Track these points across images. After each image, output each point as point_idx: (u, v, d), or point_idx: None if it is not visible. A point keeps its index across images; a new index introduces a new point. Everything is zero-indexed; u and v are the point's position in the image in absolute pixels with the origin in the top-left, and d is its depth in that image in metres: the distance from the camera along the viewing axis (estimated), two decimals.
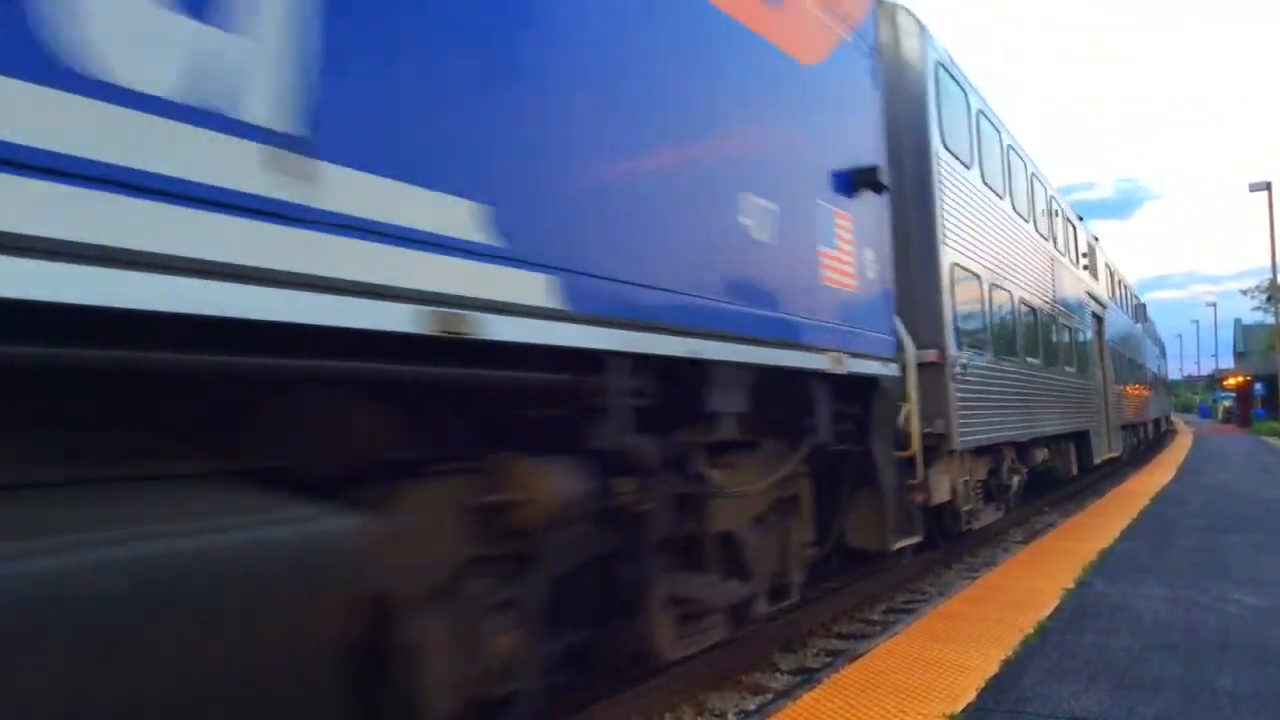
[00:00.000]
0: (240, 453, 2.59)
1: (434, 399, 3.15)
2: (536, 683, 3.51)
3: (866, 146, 6.23)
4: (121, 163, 1.97)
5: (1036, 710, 4.00)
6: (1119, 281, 21.49)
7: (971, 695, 4.20)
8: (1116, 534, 9.32)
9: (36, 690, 1.79)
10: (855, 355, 5.74)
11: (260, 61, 2.31)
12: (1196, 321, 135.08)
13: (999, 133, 10.88)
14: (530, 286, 3.13)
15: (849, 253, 5.80)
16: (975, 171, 9.62)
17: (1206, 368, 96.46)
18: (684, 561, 4.51)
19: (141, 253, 1.99)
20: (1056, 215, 14.06)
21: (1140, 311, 26.23)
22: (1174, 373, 79.93)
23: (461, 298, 2.84)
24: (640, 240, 3.83)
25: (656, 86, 4.05)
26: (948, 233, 8.44)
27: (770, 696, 5.18)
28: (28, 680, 1.79)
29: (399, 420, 3.07)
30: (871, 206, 6.22)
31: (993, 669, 4.60)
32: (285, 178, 2.35)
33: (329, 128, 2.46)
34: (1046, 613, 5.81)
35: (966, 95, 9.64)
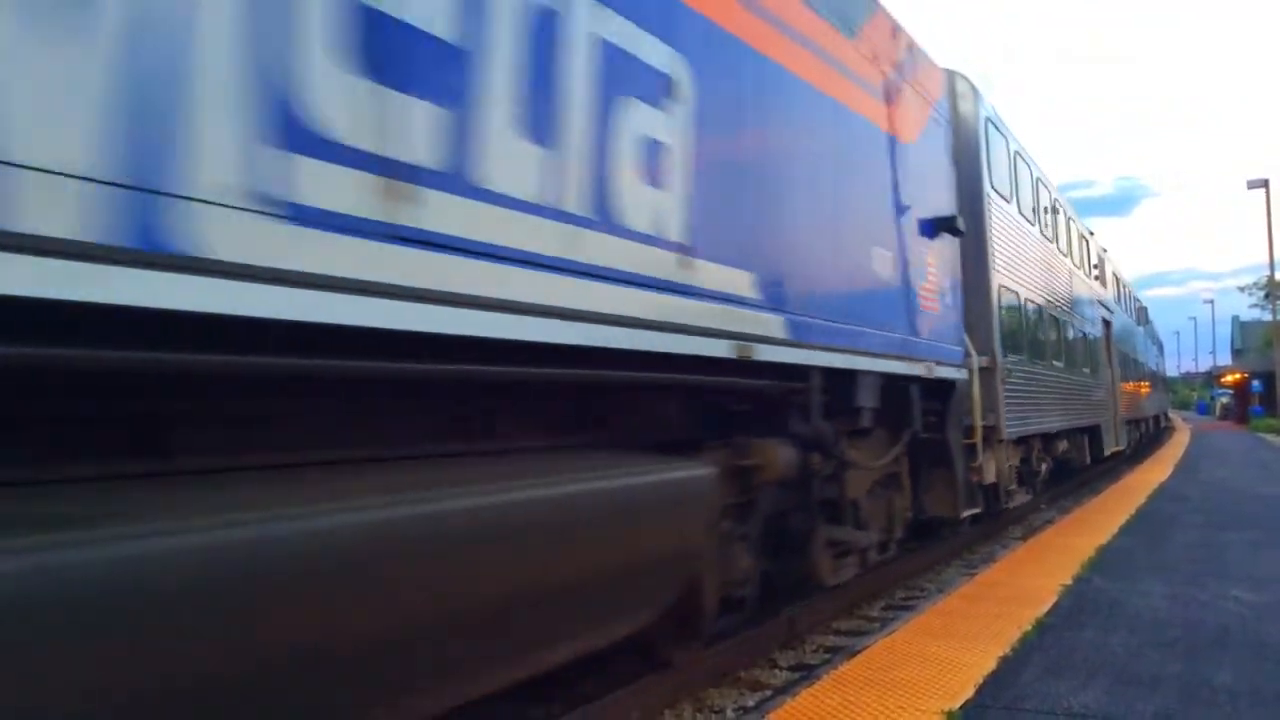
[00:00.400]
0: (618, 431, 4.48)
1: (706, 398, 4.96)
2: (756, 592, 5.43)
3: (944, 198, 8.02)
4: (629, 270, 3.86)
5: (1035, 707, 4.01)
6: (1123, 287, 23.65)
7: (970, 692, 4.20)
8: (1114, 530, 9.34)
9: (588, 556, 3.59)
10: (939, 364, 7.52)
11: (675, 207, 4.21)
12: (1194, 319, 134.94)
13: (1030, 167, 12.51)
14: (775, 325, 5.01)
15: (934, 283, 7.60)
16: (1014, 204, 11.32)
17: (1204, 364, 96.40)
18: (829, 517, 6.21)
19: (623, 316, 3.77)
20: (1072, 232, 15.90)
21: (1142, 314, 28.53)
22: (1172, 369, 79.85)
23: (745, 334, 4.66)
24: (824, 289, 5.65)
25: (836, 183, 5.97)
26: (995, 259, 10.09)
27: (769, 693, 5.18)
28: (596, 549, 3.61)
29: (691, 411, 4.90)
30: (949, 245, 8.04)
31: (991, 665, 4.61)
32: (683, 269, 4.22)
33: (698, 238, 4.33)
34: (1045, 609, 5.82)
35: (1007, 141, 11.26)
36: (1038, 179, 12.96)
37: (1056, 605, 5.96)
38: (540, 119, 3.36)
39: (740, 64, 4.84)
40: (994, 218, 10.12)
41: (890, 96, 6.88)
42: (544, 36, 3.41)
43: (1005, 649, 4.90)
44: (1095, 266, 18.11)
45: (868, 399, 6.25)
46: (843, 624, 6.91)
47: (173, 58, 2.21)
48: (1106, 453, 16.75)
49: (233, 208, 2.31)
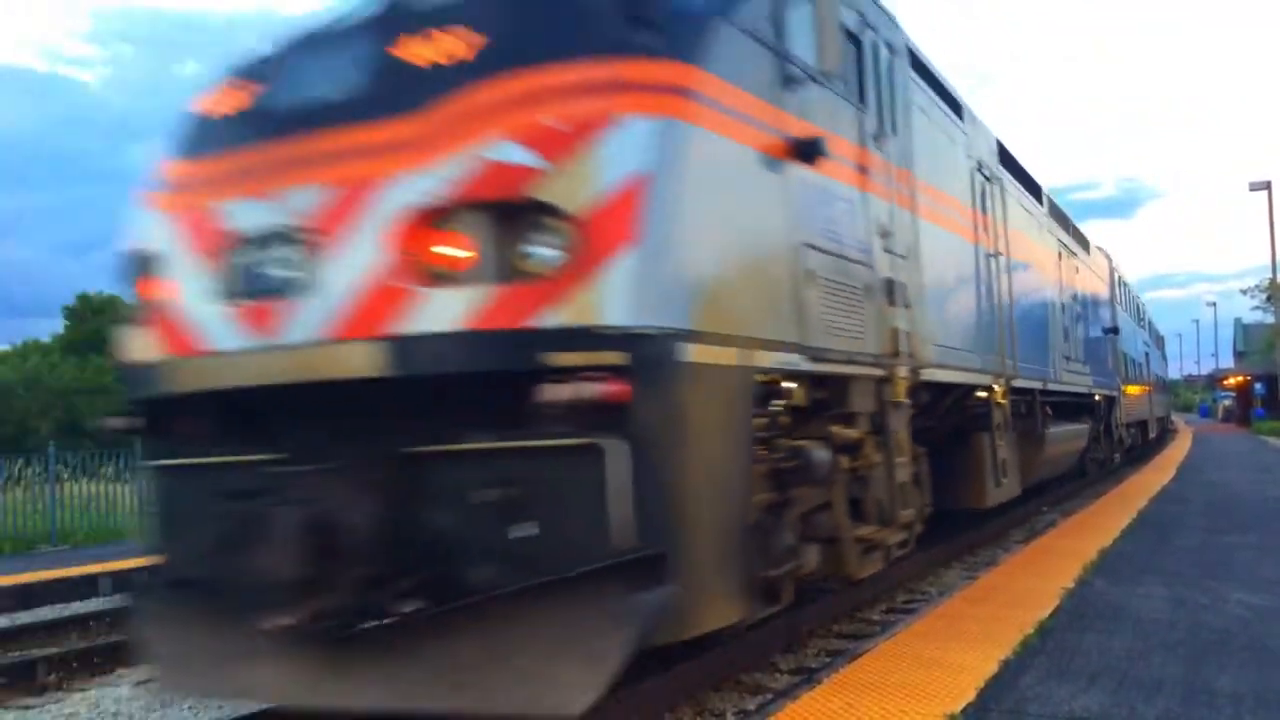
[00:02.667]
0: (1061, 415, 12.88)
1: (1077, 404, 14.29)
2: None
3: (1109, 316, 18.17)
4: (1078, 375, 14.14)
5: (1036, 710, 3.98)
6: (1153, 326, 34.33)
7: (971, 695, 4.18)
8: (1117, 533, 9.31)
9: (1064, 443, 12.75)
10: (1114, 389, 17.25)
11: (1084, 359, 14.42)
12: (1196, 321, 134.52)
13: (1124, 279, 22.53)
14: (1092, 382, 14.91)
15: (1112, 356, 17.61)
16: (1122, 305, 20.93)
17: (1206, 367, 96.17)
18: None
19: (1073, 381, 13.68)
20: (1136, 305, 25.98)
21: (1161, 342, 39.08)
22: (1174, 372, 79.50)
23: (1091, 384, 14.92)
24: (1103, 368, 16.27)
25: (1098, 327, 16.64)
26: (1121, 337, 19.28)
27: (770, 696, 5.16)
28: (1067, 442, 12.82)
29: (1075, 408, 14.02)
30: (1114, 337, 17.92)
31: (992, 669, 4.58)
32: (1082, 366, 14.11)
33: (1085, 361, 14.50)
34: (1046, 612, 5.79)
35: (1122, 276, 21.69)
36: (1125, 284, 22.81)
37: (1058, 608, 5.93)
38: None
39: (1106, 309, 17.82)
40: (1118, 317, 19.40)
41: (1095, 282, 16.74)
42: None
43: (1007, 652, 4.87)
44: (1142, 321, 27.29)
45: (1102, 406, 15.77)
46: (844, 627, 6.89)
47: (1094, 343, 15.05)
48: (1150, 437, 26.21)
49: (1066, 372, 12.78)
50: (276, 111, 4.20)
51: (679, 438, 3.79)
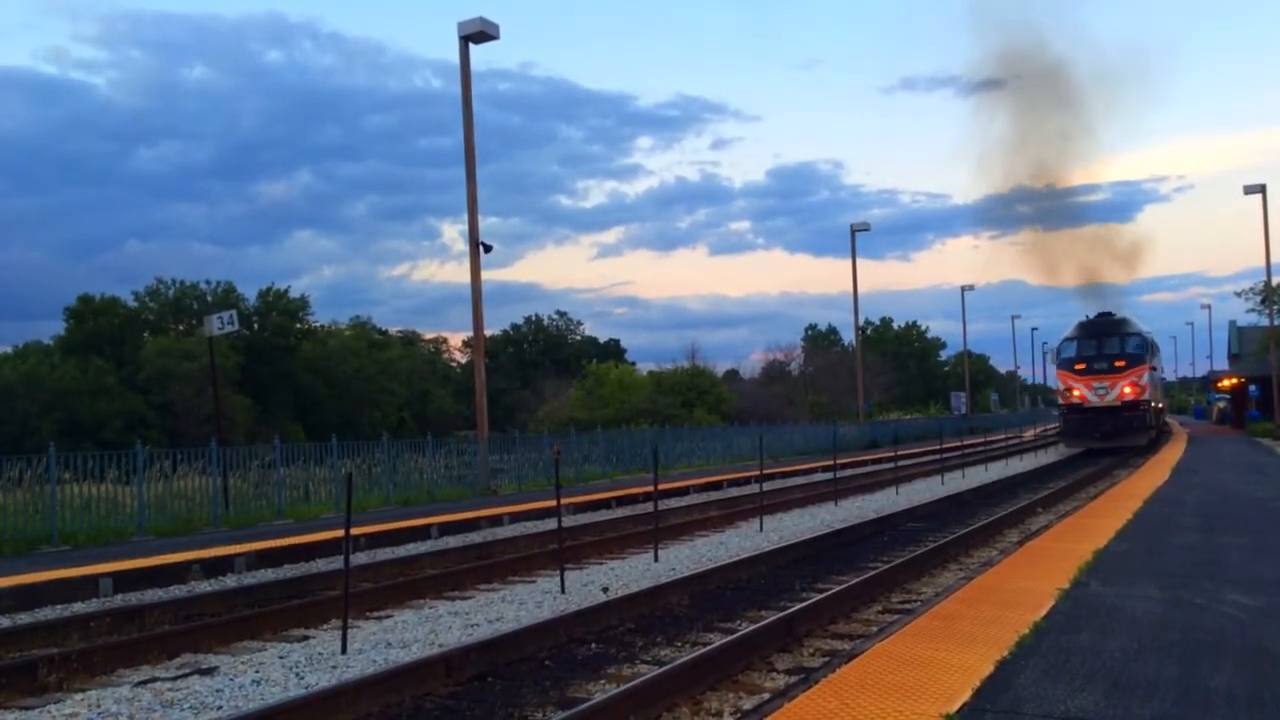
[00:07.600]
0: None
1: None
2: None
3: (1159, 368, 39.67)
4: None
5: (1032, 710, 4.02)
6: (1162, 358, 45.99)
7: (967, 695, 4.22)
8: (1112, 534, 9.36)
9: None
10: (1160, 400, 40.90)
11: (1149, 389, 33.67)
12: (1191, 323, 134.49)
13: (1159, 348, 39.05)
14: (1159, 396, 39.63)
15: (1159, 396, 39.84)
16: (1160, 359, 39.44)
17: (1201, 369, 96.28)
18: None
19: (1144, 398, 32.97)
20: (1159, 354, 39.49)
21: (1164, 367, 51.41)
22: (1169, 375, 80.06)
23: (1160, 399, 40.91)
24: (1159, 391, 41.65)
25: (1160, 381, 41.96)
26: (1162, 379, 44.29)
27: (767, 696, 5.20)
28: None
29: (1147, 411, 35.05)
30: (1161, 378, 43.54)
31: (988, 669, 4.63)
32: (1149, 391, 34.02)
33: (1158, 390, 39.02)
34: (1041, 613, 5.84)
35: (1159, 348, 39.24)
36: (1159, 349, 37.36)
37: (1053, 609, 5.97)
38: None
39: (1160, 367, 39.28)
40: (1159, 369, 37.65)
41: (1156, 355, 35.07)
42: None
43: (1003, 652, 4.92)
44: (1162, 361, 42.13)
45: (1158, 407, 36.25)
46: (840, 627, 6.93)
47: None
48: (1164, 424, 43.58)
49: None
50: (1092, 369, 29.13)
51: (1151, 410, 30.31)
